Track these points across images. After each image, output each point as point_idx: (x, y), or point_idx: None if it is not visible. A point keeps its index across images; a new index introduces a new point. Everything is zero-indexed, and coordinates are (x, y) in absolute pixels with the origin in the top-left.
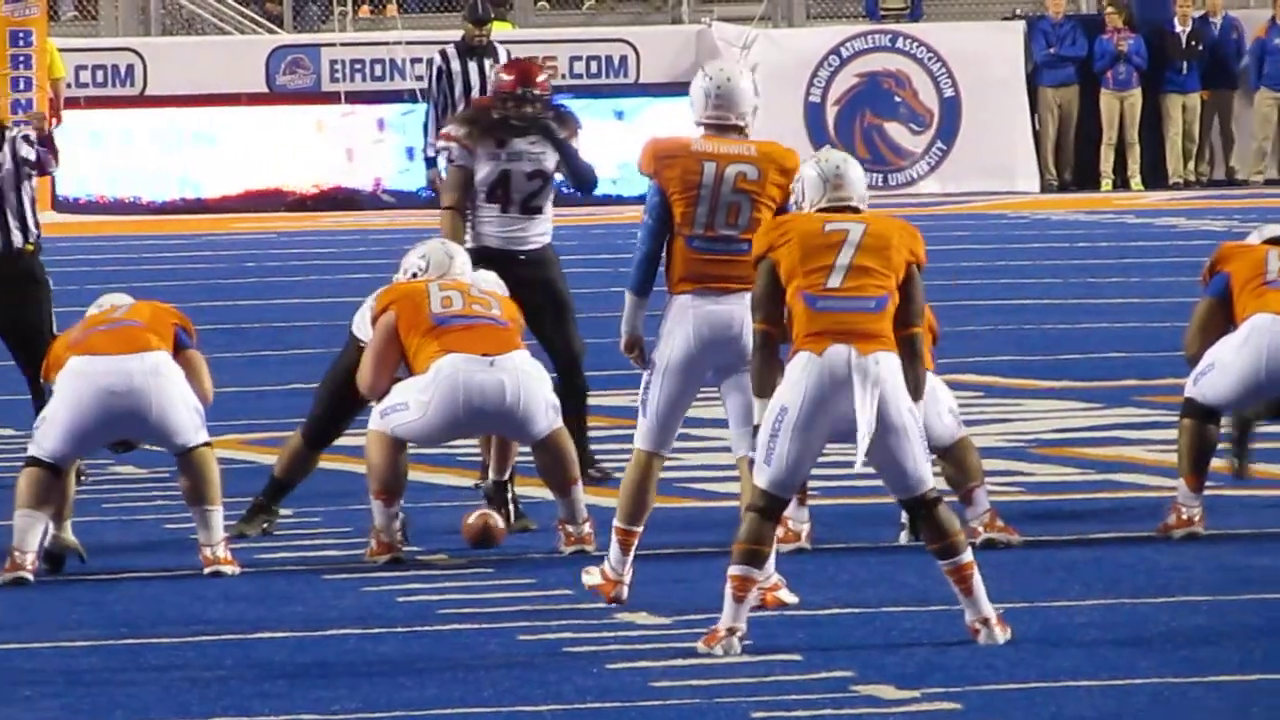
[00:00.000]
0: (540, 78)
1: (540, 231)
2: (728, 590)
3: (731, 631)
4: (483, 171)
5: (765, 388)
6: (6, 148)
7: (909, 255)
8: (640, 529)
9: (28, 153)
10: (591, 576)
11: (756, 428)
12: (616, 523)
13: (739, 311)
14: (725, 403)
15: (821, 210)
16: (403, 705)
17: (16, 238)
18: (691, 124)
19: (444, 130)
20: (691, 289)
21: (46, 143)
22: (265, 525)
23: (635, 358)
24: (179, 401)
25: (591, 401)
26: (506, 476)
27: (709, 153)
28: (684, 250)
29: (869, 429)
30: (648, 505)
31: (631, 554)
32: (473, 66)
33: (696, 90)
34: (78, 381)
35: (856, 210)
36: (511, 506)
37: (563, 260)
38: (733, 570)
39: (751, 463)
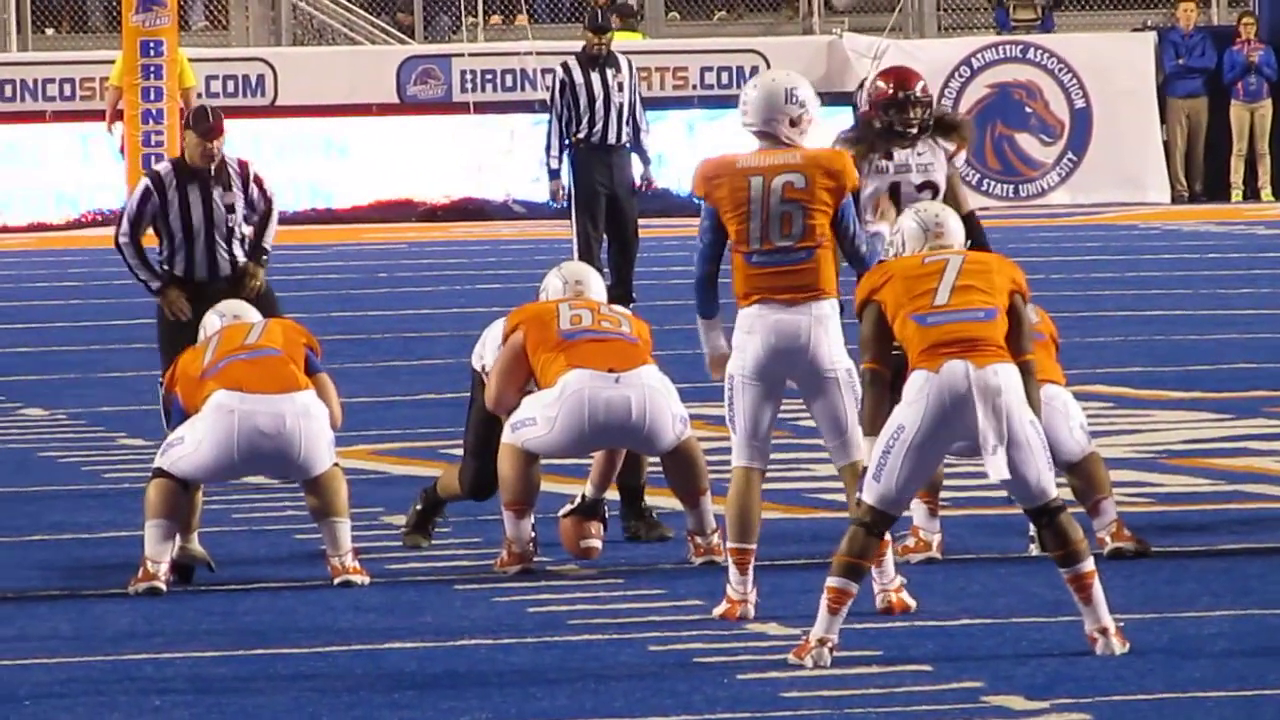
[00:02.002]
0: (919, 83)
1: None
2: (823, 601)
3: (822, 643)
4: (871, 186)
5: (875, 426)
6: (253, 187)
7: (1011, 284)
8: (753, 545)
9: (260, 200)
10: (718, 608)
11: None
12: (729, 543)
13: (806, 321)
14: (813, 415)
15: None
16: (533, 715)
17: (240, 261)
18: (819, 136)
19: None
20: (756, 300)
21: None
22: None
23: (721, 377)
24: (322, 439)
25: (717, 413)
26: (603, 495)
27: (754, 167)
28: (744, 266)
29: (996, 442)
30: (755, 521)
31: (750, 572)
32: (595, 77)
33: (741, 98)
34: (227, 419)
35: None
36: (644, 517)
37: (680, 270)
38: (830, 582)
39: (853, 470)
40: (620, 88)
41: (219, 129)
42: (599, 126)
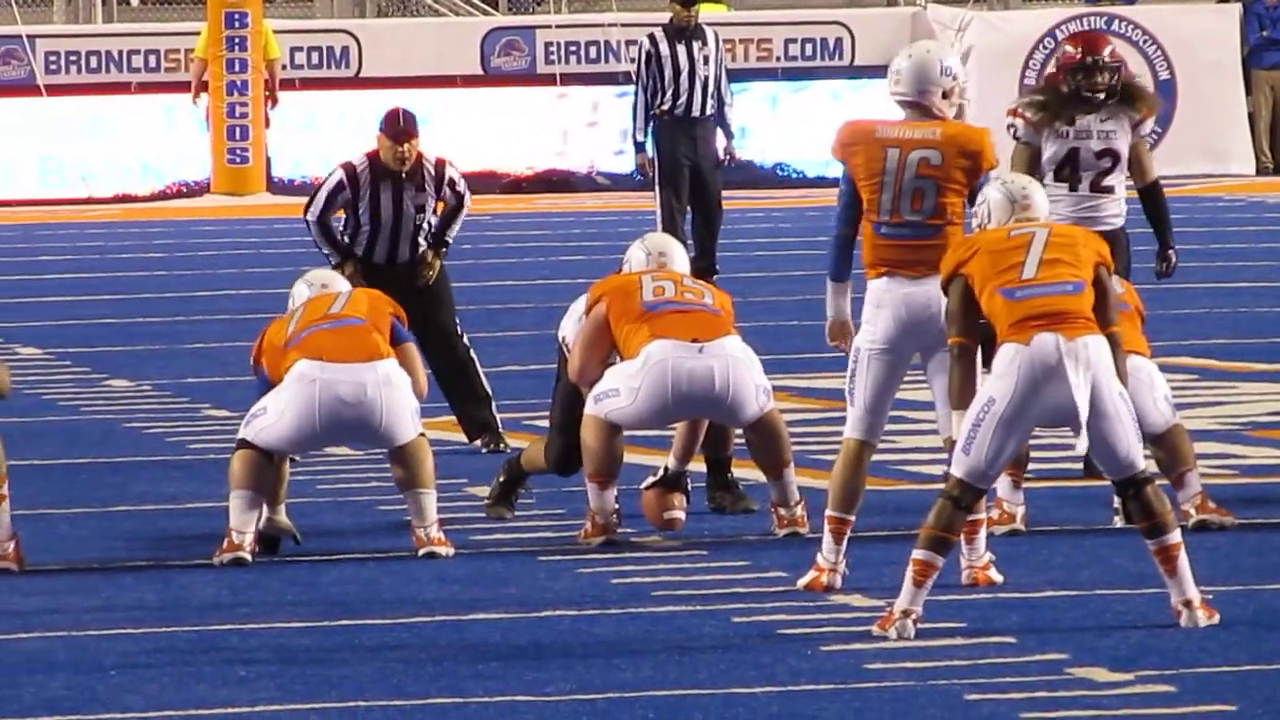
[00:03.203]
0: (1107, 48)
1: (1113, 213)
2: (908, 573)
3: (906, 614)
4: (1050, 150)
5: (964, 400)
6: (446, 189)
7: (1096, 256)
8: (853, 518)
9: (451, 196)
10: (805, 577)
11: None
12: (828, 511)
13: (935, 292)
14: (932, 384)
15: None
16: (617, 687)
17: (421, 247)
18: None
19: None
20: (883, 272)
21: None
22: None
23: (839, 345)
24: (405, 408)
25: (800, 384)
26: (685, 467)
27: (893, 139)
28: (873, 236)
29: (1087, 414)
30: (859, 494)
31: (844, 543)
32: (681, 49)
33: (892, 67)
34: (310, 388)
35: None
36: (730, 489)
37: (778, 243)
38: (916, 554)
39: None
40: (706, 61)
41: (411, 132)
42: (684, 99)
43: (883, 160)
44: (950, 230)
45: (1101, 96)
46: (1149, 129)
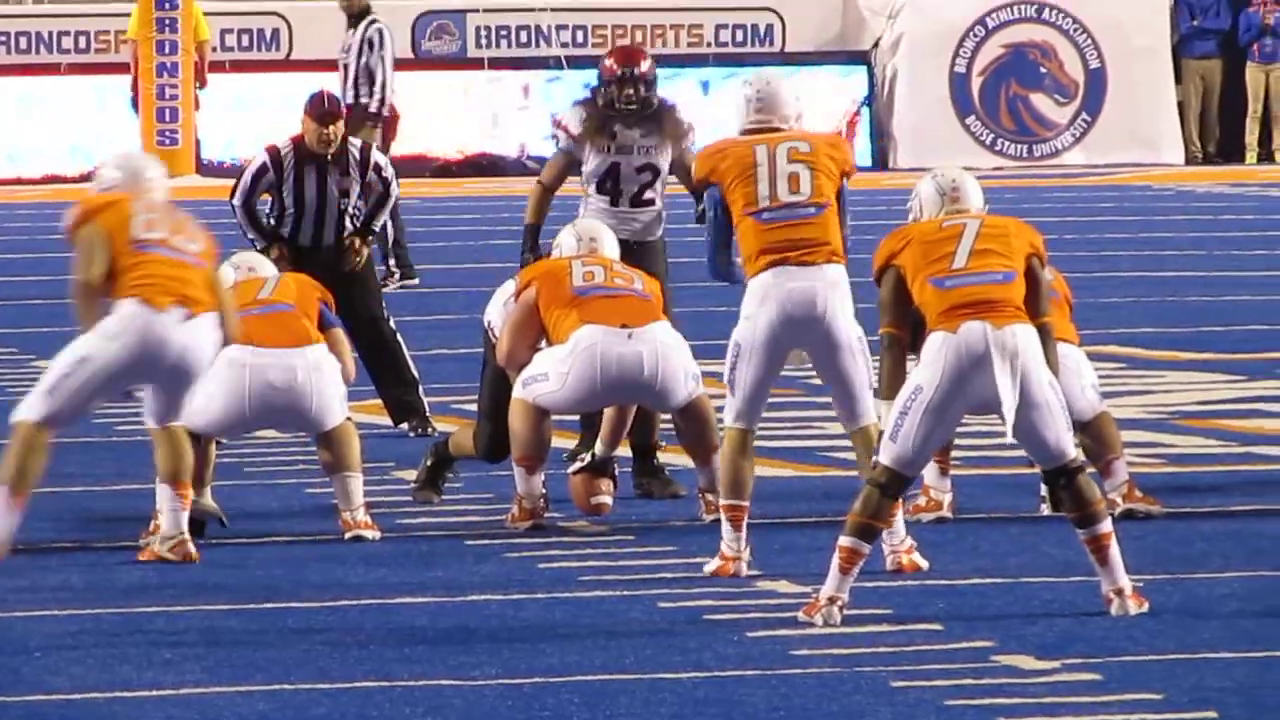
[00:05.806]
0: (644, 62)
1: (650, 223)
2: (834, 560)
3: (832, 601)
4: (592, 164)
5: (893, 390)
6: (371, 174)
7: (1029, 247)
8: (746, 503)
9: (378, 183)
10: (711, 564)
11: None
12: (721, 500)
13: (821, 288)
14: (825, 380)
15: None
16: (543, 671)
17: (346, 232)
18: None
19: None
20: (770, 263)
21: None
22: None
23: None
24: (334, 393)
25: (717, 369)
26: (614, 452)
27: (758, 138)
28: (754, 227)
29: (1014, 402)
30: (748, 479)
31: (743, 529)
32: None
33: (738, 98)
34: (239, 373)
35: None
36: (657, 475)
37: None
38: (843, 541)
39: (863, 435)
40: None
41: (335, 114)
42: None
43: (752, 155)
44: (829, 214)
45: (634, 109)
46: (690, 142)
